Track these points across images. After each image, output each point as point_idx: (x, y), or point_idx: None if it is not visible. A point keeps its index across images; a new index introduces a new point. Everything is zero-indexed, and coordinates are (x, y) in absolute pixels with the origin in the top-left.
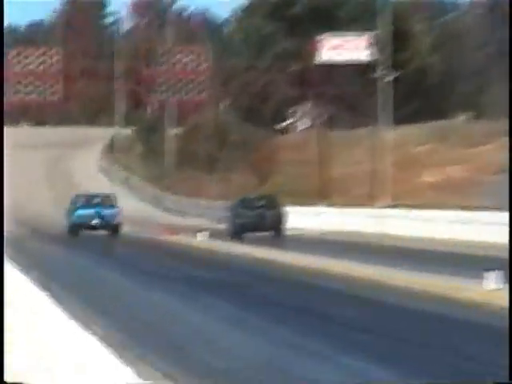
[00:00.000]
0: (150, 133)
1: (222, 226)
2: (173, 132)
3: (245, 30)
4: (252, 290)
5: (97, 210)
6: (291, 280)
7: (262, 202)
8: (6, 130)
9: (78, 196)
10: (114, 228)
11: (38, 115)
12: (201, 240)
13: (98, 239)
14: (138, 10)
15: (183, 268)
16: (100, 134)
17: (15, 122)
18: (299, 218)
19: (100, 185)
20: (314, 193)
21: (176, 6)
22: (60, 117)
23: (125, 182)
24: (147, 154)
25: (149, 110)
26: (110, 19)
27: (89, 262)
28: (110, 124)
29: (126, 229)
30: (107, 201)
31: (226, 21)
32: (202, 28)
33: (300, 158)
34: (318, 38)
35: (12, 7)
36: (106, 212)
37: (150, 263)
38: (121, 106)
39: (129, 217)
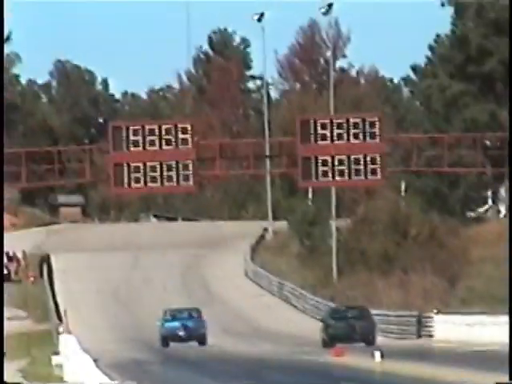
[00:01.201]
0: (310, 226)
1: (403, 342)
2: (338, 225)
3: (426, 92)
4: None
5: (182, 322)
6: None
7: (353, 313)
8: (126, 225)
9: (166, 310)
10: (199, 338)
11: (167, 207)
12: (379, 361)
13: (245, 367)
14: (290, 70)
15: None
16: (245, 230)
17: (137, 216)
18: (498, 330)
19: (246, 294)
20: None
21: (339, 64)
22: (194, 209)
23: (278, 290)
24: (306, 254)
25: (308, 197)
26: (254, 83)
27: None
28: (259, 216)
29: (279, 349)
30: (192, 314)
31: (404, 81)
32: (374, 90)
33: (498, 253)
34: None
35: (132, 71)
36: (191, 324)
37: None
38: (272, 193)
39: (285, 333)
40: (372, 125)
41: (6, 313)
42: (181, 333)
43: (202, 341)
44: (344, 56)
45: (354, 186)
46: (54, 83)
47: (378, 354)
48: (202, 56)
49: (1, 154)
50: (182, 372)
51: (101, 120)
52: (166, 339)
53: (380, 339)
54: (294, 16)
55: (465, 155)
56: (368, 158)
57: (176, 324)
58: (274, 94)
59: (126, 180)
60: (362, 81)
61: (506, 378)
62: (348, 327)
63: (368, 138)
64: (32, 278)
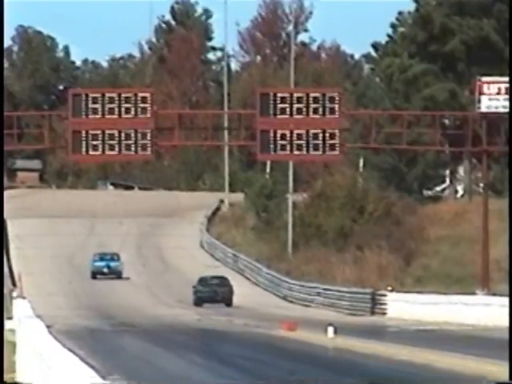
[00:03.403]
0: (266, 200)
1: (355, 319)
2: (295, 199)
3: (387, 71)
4: None
5: (107, 262)
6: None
7: (216, 281)
8: (83, 192)
9: (95, 253)
10: (117, 274)
11: (124, 175)
12: (332, 337)
13: (198, 338)
14: (252, 43)
15: (312, 374)
16: (202, 201)
17: (94, 183)
18: (451, 310)
19: (201, 265)
20: (471, 278)
21: (300, 38)
22: (151, 178)
23: (233, 263)
24: (262, 227)
25: (266, 170)
26: (215, 54)
27: (189, 366)
28: (215, 188)
29: (234, 321)
30: (114, 257)
31: (365, 58)
32: (335, 66)
33: (455, 233)
34: (480, 81)
35: (94, 39)
36: (112, 264)
37: (268, 368)
38: (229, 165)
39: (238, 306)
40: (332, 100)
41: None
42: (105, 270)
43: (119, 276)
44: (306, 30)
45: (312, 160)
46: (15, 48)
47: (331, 330)
48: (163, 25)
49: (1, 154)
50: (134, 341)
51: (61, 87)
52: (95, 274)
53: (333, 315)
54: None
55: (423, 133)
56: (327, 134)
57: (102, 263)
58: (234, 66)
59: (84, 147)
60: (323, 55)
61: (461, 358)
62: (211, 292)
63: (327, 113)
64: None
